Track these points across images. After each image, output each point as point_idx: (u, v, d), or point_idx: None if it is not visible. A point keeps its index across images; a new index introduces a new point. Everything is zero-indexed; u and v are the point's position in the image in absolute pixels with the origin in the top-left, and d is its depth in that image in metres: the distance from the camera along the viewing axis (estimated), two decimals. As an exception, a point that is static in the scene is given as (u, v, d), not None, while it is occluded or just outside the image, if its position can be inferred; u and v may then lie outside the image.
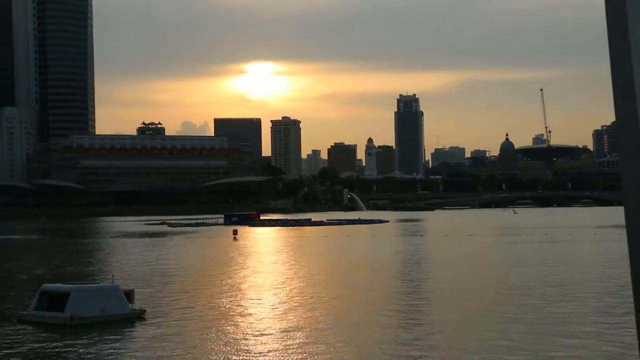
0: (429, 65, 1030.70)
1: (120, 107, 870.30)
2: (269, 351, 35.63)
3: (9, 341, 39.45)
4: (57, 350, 36.68)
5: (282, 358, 32.30)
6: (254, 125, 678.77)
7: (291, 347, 35.57)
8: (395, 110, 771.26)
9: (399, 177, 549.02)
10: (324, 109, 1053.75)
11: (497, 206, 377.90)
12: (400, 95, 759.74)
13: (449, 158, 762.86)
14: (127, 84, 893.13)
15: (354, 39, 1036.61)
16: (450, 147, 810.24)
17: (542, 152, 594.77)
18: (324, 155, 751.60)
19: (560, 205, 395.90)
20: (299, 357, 33.19)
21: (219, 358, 34.80)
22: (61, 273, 72.87)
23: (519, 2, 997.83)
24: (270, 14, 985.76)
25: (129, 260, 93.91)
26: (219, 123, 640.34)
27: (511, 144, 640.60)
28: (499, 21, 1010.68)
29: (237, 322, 44.40)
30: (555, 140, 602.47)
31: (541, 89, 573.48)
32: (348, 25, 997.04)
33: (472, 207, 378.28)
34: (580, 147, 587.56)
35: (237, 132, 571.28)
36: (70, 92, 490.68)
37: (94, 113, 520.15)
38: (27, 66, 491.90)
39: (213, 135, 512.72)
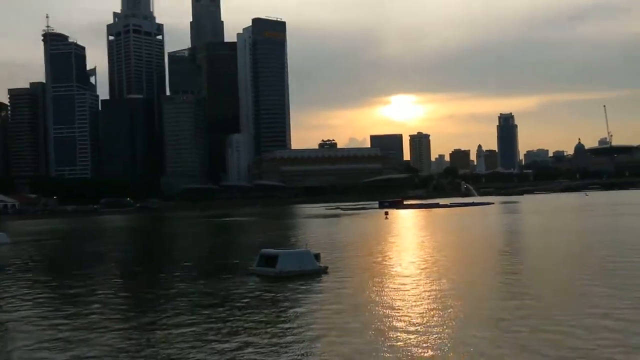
0: (520, 91, 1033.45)
1: (308, 129, 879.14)
2: (422, 301, 35.11)
3: (244, 284, 41.20)
4: (273, 290, 37.80)
5: (438, 311, 31.09)
6: (397, 139, 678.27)
7: (447, 302, 34.84)
8: (497, 124, 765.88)
9: (501, 172, 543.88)
10: (446, 125, 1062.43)
11: (573, 191, 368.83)
12: (501, 114, 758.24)
13: (537, 157, 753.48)
14: (311, 113, 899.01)
15: (466, 73, 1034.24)
16: (537, 149, 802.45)
17: (606, 150, 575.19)
18: (447, 158, 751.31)
19: (620, 188, 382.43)
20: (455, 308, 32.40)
21: (380, 297, 34.46)
22: (272, 242, 74.13)
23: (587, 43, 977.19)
24: (406, 60, 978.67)
25: (315, 233, 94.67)
26: (374, 138, 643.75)
27: (582, 146, 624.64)
28: (572, 55, 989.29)
29: (395, 277, 44.04)
30: (616, 142, 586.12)
31: (604, 105, 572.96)
32: (461, 63, 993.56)
33: (554, 192, 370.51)
34: (635, 146, 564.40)
35: (386, 144, 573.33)
36: (274, 120, 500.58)
37: (290, 134, 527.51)
38: (246, 105, 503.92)
39: (370, 146, 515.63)
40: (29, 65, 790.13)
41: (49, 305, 36.46)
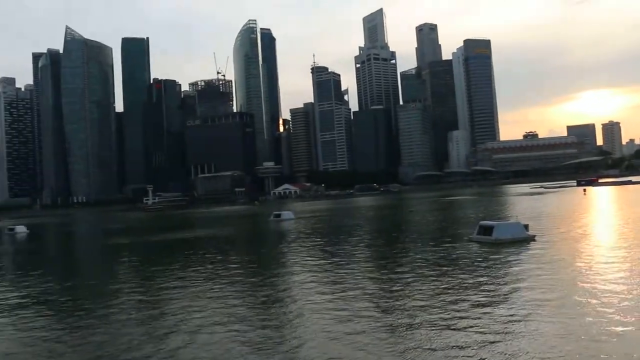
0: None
1: (512, 124, 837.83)
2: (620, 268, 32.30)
3: (466, 250, 40.16)
4: (490, 254, 36.87)
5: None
6: (590, 128, 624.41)
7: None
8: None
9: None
10: (636, 113, 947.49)
11: None
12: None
13: None
14: (514, 111, 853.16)
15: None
16: None
17: None
18: (637, 141, 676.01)
19: None
20: None
21: (582, 260, 32.43)
22: (487, 215, 72.06)
23: None
24: (591, 61, 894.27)
25: (523, 207, 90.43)
26: (570, 128, 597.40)
27: None
28: None
29: (597, 245, 41.07)
30: None
31: None
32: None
33: None
34: None
35: (581, 133, 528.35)
36: (485, 118, 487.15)
37: (498, 128, 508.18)
38: (462, 107, 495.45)
39: (566, 135, 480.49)
40: (303, 91, 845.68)
41: (324, 265, 38.24)
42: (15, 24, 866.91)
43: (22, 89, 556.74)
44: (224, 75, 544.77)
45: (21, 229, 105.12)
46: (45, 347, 20.30)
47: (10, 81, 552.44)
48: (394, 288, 27.23)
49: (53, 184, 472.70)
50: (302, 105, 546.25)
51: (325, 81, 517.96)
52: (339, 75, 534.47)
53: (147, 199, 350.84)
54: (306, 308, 23.85)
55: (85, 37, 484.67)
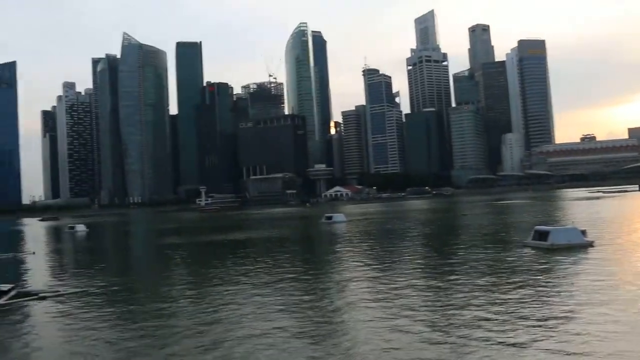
0: None
1: (569, 126, 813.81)
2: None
3: (519, 255, 39.22)
4: (544, 260, 35.88)
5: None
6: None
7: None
8: None
9: None
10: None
11: None
12: None
13: None
14: (571, 112, 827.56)
15: None
16: None
17: None
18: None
19: None
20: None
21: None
22: (542, 220, 70.48)
23: None
24: None
25: (580, 212, 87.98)
26: (632, 130, 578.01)
27: None
28: None
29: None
30: None
31: None
32: None
33: None
34: None
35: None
36: (540, 120, 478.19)
37: (553, 131, 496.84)
38: (516, 109, 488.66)
39: (627, 137, 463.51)
40: (354, 93, 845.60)
41: (376, 267, 38.13)
42: (76, 32, 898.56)
43: (82, 93, 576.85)
44: (275, 78, 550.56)
45: (81, 228, 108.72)
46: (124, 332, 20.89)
47: (71, 85, 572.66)
48: (446, 294, 26.89)
49: (110, 185, 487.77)
50: (353, 108, 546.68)
51: (376, 83, 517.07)
52: (390, 77, 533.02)
53: (200, 200, 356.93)
54: (358, 310, 23.86)
55: (142, 42, 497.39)
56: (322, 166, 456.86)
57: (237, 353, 18.57)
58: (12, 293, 30.80)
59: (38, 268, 48.25)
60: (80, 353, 19.47)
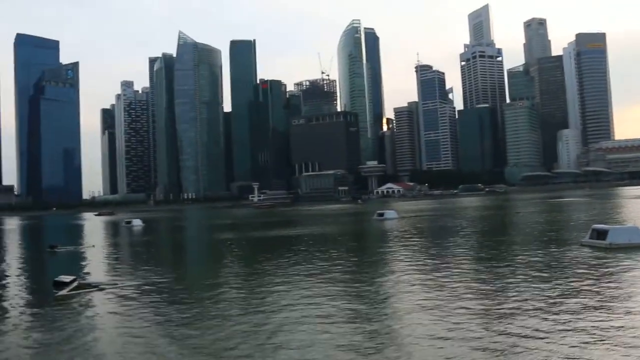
0: None
1: (630, 122, 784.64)
2: None
3: (577, 254, 37.95)
4: (604, 260, 34.62)
5: None
6: None
7: None
8: None
9: None
10: None
11: None
12: None
13: None
14: (633, 107, 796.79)
15: None
16: None
17: None
18: None
19: None
20: None
21: None
22: (600, 219, 68.22)
23: None
24: None
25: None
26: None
27: None
28: None
29: None
30: None
31: None
32: None
33: None
34: None
35: None
36: (598, 116, 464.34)
37: (613, 127, 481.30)
38: (573, 105, 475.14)
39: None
40: (406, 90, 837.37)
41: (428, 264, 37.50)
42: (134, 32, 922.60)
43: (140, 91, 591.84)
44: (328, 75, 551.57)
45: (137, 222, 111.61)
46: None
47: (129, 84, 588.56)
48: (501, 294, 26.20)
49: (166, 181, 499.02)
50: (406, 104, 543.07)
51: (429, 80, 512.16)
52: (444, 73, 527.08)
53: (253, 196, 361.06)
54: (410, 308, 23.58)
55: (197, 40, 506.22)
56: (374, 163, 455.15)
57: None
58: (75, 284, 31.80)
59: (97, 260, 49.73)
60: (138, 344, 19.88)
